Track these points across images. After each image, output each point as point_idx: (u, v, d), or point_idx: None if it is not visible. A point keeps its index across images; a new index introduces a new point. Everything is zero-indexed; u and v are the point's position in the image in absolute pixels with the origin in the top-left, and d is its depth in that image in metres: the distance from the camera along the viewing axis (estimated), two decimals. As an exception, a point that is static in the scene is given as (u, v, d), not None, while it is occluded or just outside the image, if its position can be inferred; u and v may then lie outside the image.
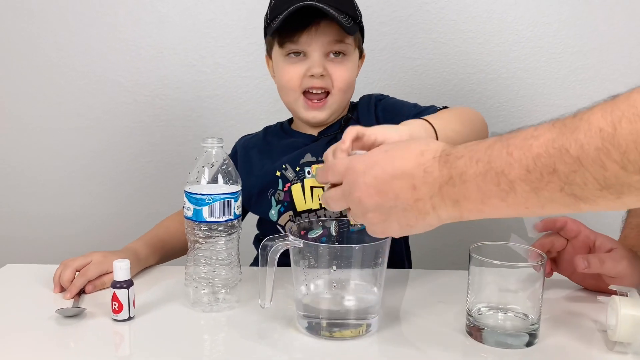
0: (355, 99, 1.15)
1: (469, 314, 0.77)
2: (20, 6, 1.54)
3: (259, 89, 1.55)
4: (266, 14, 1.07)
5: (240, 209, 0.83)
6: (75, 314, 0.80)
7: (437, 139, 0.81)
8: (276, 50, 1.05)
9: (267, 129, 1.19)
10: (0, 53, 1.56)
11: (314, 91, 1.03)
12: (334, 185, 0.70)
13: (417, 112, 1.02)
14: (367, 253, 0.74)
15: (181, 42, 1.54)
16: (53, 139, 1.60)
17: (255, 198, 1.08)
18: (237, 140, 1.20)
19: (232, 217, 0.81)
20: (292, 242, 0.74)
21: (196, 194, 0.79)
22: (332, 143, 1.06)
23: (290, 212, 1.04)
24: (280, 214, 1.05)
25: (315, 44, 1.00)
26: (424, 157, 0.63)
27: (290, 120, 1.18)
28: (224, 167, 0.81)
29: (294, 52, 1.03)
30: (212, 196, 0.79)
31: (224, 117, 1.56)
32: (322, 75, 1.01)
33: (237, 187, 0.82)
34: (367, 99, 1.12)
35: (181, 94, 1.56)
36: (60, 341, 0.76)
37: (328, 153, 0.75)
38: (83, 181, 1.62)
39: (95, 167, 1.61)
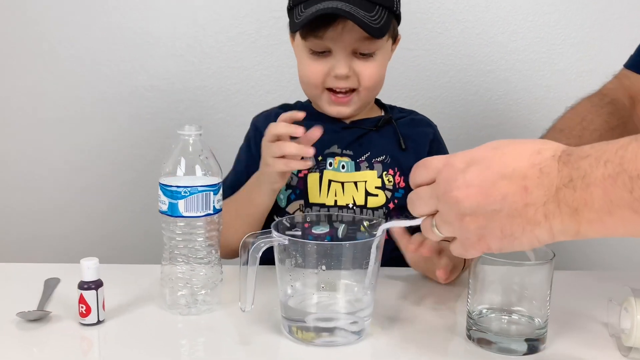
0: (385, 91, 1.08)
1: (469, 317, 0.73)
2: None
3: (249, 80, 1.52)
4: None
5: (220, 202, 0.78)
6: (38, 318, 0.76)
7: None
8: (298, 39, 0.98)
9: (286, 107, 1.10)
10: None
11: (338, 90, 0.97)
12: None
13: None
14: (358, 251, 0.69)
15: (168, 30, 1.50)
16: (35, 131, 1.56)
17: None
18: (252, 119, 1.12)
19: (211, 212, 0.76)
20: (276, 239, 0.69)
21: (171, 186, 0.74)
22: (364, 138, 1.02)
23: (301, 202, 0.99)
24: (289, 200, 1.00)
25: (341, 42, 0.93)
26: (540, 155, 0.54)
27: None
28: (202, 157, 0.76)
29: (318, 49, 0.95)
30: (189, 189, 0.74)
31: (212, 109, 1.53)
32: (347, 76, 0.95)
33: (217, 179, 0.77)
34: (428, 129, 1.08)
35: (168, 85, 1.52)
36: (22, 347, 0.71)
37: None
38: (66, 174, 1.58)
39: (79, 161, 1.57)
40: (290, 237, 0.68)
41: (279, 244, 0.69)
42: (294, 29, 0.94)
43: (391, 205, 0.98)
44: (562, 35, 1.48)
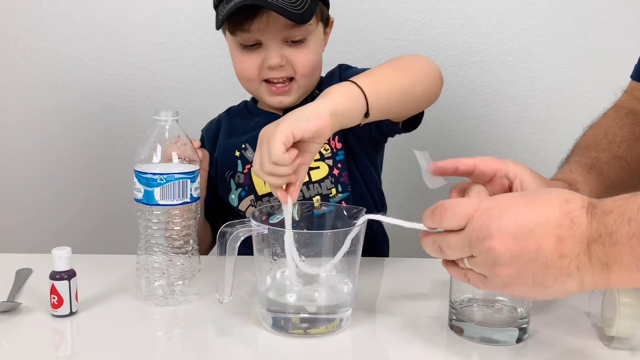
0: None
1: (452, 307, 0.71)
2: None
3: (231, 69, 1.45)
4: None
5: (198, 190, 0.76)
6: (8, 309, 0.73)
7: (366, 102, 0.74)
8: (229, 35, 0.96)
9: (231, 110, 1.11)
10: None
11: (275, 80, 0.95)
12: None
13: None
14: (339, 240, 0.67)
15: (148, 18, 1.48)
16: (9, 119, 1.52)
17: (215, 181, 1.02)
18: (204, 126, 1.13)
19: (188, 200, 0.74)
20: (255, 229, 0.67)
21: (147, 173, 0.72)
22: None
23: (252, 197, 0.98)
24: (240, 198, 0.99)
25: (268, 33, 0.91)
26: (570, 204, 0.55)
27: (255, 99, 1.11)
28: (179, 143, 0.73)
29: (248, 43, 0.93)
30: (165, 176, 0.71)
31: (194, 97, 1.51)
32: (281, 65, 0.93)
33: (194, 167, 0.74)
34: (330, 73, 1.05)
35: (148, 73, 1.50)
36: (-8, 340, 0.68)
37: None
38: (42, 163, 1.54)
39: (55, 149, 1.54)
40: (269, 226, 0.67)
41: (257, 233, 0.67)
42: (218, 25, 0.93)
43: (336, 172, 0.96)
44: (545, 27, 1.47)
